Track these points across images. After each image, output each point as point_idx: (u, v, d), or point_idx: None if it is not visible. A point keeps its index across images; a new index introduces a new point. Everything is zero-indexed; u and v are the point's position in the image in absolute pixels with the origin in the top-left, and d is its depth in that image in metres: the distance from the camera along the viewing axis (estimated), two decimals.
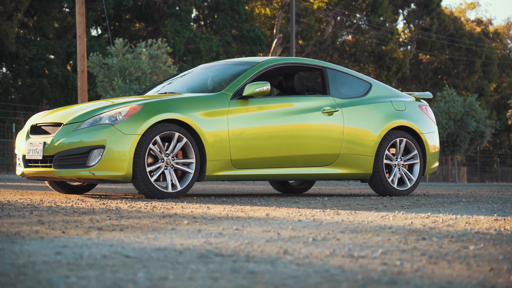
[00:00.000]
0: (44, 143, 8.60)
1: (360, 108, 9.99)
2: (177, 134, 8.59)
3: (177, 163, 8.65)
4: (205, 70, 10.29)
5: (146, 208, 6.54)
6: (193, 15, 48.44)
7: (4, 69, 40.59)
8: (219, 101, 9.01)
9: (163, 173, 8.61)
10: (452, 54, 66.09)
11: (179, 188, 8.60)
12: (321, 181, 20.34)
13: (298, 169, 9.46)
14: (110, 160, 8.26)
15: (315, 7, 57.77)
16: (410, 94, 10.89)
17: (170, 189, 8.54)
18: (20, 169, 9.08)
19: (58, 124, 8.71)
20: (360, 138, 9.89)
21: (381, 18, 58.23)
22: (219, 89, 9.37)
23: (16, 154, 9.35)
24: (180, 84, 10.16)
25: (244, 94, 9.08)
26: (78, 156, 8.38)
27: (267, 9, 59.02)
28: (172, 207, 6.83)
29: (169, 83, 10.35)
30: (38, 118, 9.22)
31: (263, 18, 60.11)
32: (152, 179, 8.44)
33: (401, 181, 10.30)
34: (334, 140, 9.70)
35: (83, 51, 22.86)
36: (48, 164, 8.58)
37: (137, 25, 50.61)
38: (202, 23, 50.76)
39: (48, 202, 7.33)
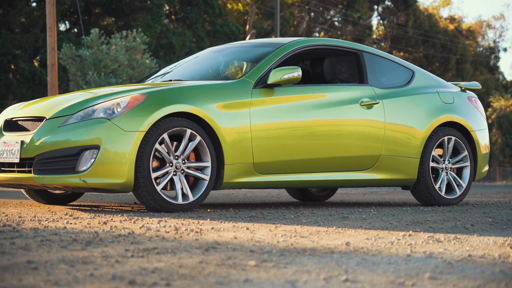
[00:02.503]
0: (22, 142, 6.82)
1: (403, 100, 8.29)
2: (189, 131, 6.85)
3: (188, 168, 6.91)
4: (215, 54, 8.53)
5: (169, 232, 4.80)
6: (165, 10, 46.81)
7: None
8: (239, 90, 7.29)
9: (171, 180, 6.87)
10: (427, 51, 64.95)
11: (191, 199, 6.86)
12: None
13: (331, 174, 7.75)
14: (106, 164, 6.51)
15: (289, 1, 56.43)
16: (455, 84, 9.21)
17: (180, 200, 6.81)
18: None
19: (39, 119, 6.94)
20: (403, 137, 8.19)
21: (358, 14, 56.90)
22: (235, 76, 7.64)
23: None
24: (185, 70, 8.40)
25: (270, 81, 7.36)
26: (66, 159, 6.61)
27: (240, 4, 57.80)
28: (200, 228, 5.10)
29: (171, 70, 8.58)
30: (14, 111, 7.43)
31: (235, 14, 58.84)
32: (159, 188, 6.70)
33: (448, 188, 8.62)
34: (374, 139, 8.00)
35: (54, 44, 21.19)
36: (26, 169, 6.80)
37: (105, 21, 48.73)
38: (174, 17, 49.18)
39: (31, 220, 5.56)
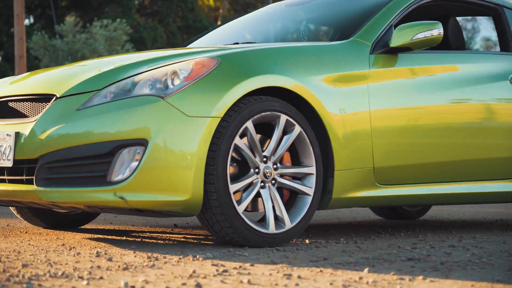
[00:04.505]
0: (17, 135, 4.25)
1: None
2: (284, 118, 4.32)
3: (282, 176, 4.35)
4: (292, 8, 5.95)
5: None
6: (135, 2, 44.47)
7: None
8: (351, 56, 4.78)
9: (257, 195, 4.32)
10: None
11: (288, 225, 4.33)
12: None
13: (478, 184, 5.22)
14: (158, 170, 3.96)
15: None
16: None
17: (272, 228, 4.26)
18: None
19: (45, 98, 4.37)
20: None
21: None
22: (332, 37, 5.14)
23: None
24: (252, 31, 5.84)
25: (394, 44, 4.87)
26: (90, 162, 4.06)
27: (211, 0, 55.77)
28: None
29: (229, 31, 6.01)
30: (1, 88, 4.81)
31: (206, 10, 56.64)
32: (241, 208, 4.14)
33: None
34: None
35: (22, 33, 18.40)
36: (25, 178, 4.22)
37: (70, 15, 46.06)
38: (145, 11, 46.92)
39: (46, 274, 2.95)
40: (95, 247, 4.13)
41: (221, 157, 4.07)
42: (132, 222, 5.99)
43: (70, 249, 4.01)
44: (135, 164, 3.98)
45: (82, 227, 5.49)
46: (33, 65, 27.89)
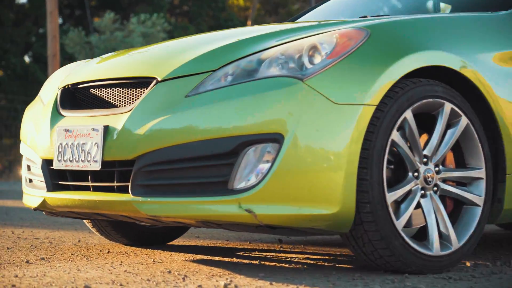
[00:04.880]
0: (106, 130, 3.28)
1: None
2: (448, 107, 3.35)
3: (445, 181, 3.37)
4: None
5: None
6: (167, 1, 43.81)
7: None
8: None
9: (416, 206, 3.33)
10: None
11: (455, 245, 3.36)
12: None
13: None
14: (296, 174, 3.01)
15: None
16: None
17: (437, 249, 3.29)
18: (34, 194, 3.73)
19: (142, 81, 3.39)
20: None
21: None
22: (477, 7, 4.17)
23: (25, 161, 4.01)
24: (378, 3, 4.87)
25: None
26: (205, 165, 3.07)
27: None
28: None
29: (348, 4, 5.04)
30: (79, 72, 3.87)
31: (235, 9, 55.88)
32: (400, 224, 3.14)
33: None
34: None
35: (55, 31, 17.47)
36: (115, 184, 3.26)
37: (99, 16, 45.47)
38: (177, 11, 46.44)
39: None
40: (212, 274, 3.16)
41: (376, 156, 3.10)
42: (224, 237, 5.02)
43: (183, 278, 3.05)
44: (265, 166, 3.02)
45: (170, 243, 4.52)
46: (65, 61, 27.12)
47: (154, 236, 4.46)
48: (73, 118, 3.55)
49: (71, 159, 3.42)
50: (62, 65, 28.06)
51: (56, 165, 3.51)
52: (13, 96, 34.18)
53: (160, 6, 39.37)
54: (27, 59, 38.99)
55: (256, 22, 51.19)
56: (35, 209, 3.74)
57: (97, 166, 3.31)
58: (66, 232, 5.19)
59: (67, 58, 25.42)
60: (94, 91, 3.58)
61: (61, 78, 3.95)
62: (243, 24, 45.72)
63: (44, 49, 36.14)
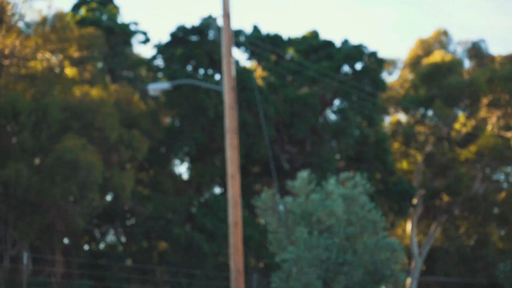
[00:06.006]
0: None
1: None
2: None
3: None
4: None
5: None
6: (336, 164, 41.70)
7: (118, 230, 33.93)
8: None
9: None
10: None
11: None
12: None
13: None
14: None
15: (463, 158, 50.25)
16: None
17: None
18: None
19: None
20: None
21: None
22: None
23: None
24: None
25: None
26: None
27: (404, 162, 52.78)
28: None
29: None
30: None
31: (400, 173, 53.53)
32: None
33: None
34: None
35: (237, 196, 17.08)
36: None
37: (260, 183, 43.60)
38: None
39: None
40: None
41: None
42: None
43: None
44: None
45: None
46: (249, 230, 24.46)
47: None
48: None
49: None
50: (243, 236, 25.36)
51: None
52: (177, 269, 32.16)
53: (328, 169, 38.06)
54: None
55: (423, 186, 48.21)
56: None
57: None
58: None
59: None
60: None
61: None
62: (412, 188, 43.01)
63: (207, 218, 34.10)
